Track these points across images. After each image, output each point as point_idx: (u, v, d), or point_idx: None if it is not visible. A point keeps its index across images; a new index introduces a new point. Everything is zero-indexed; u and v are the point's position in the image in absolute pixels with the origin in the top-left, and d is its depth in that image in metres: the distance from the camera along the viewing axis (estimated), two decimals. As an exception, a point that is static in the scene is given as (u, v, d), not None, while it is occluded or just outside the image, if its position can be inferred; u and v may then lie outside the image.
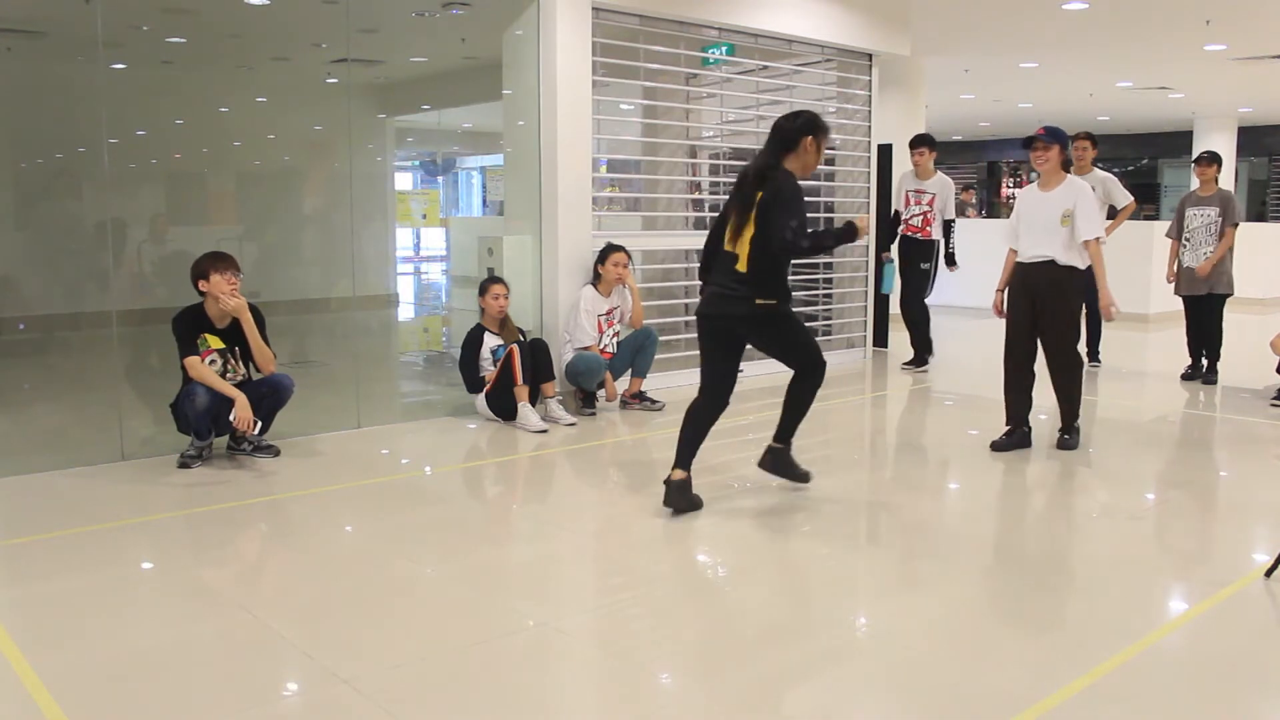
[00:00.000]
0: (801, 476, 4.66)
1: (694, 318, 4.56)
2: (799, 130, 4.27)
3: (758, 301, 4.20)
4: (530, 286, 6.69)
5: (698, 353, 4.42)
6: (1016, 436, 5.50)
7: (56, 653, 2.96)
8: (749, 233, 4.19)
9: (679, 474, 4.34)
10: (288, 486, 4.76)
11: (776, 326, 4.34)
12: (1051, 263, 5.29)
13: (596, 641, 3.16)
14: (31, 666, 2.84)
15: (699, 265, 4.61)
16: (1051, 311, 5.33)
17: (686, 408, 4.46)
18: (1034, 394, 5.52)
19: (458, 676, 2.84)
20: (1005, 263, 5.56)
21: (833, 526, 4.28)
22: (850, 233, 4.32)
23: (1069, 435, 5.48)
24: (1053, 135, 5.34)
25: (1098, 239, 5.27)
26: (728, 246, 4.30)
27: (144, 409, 5.78)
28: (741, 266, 4.22)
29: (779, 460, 4.63)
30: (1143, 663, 2.95)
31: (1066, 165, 5.50)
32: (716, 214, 4.58)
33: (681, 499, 4.32)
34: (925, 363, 8.17)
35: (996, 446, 5.48)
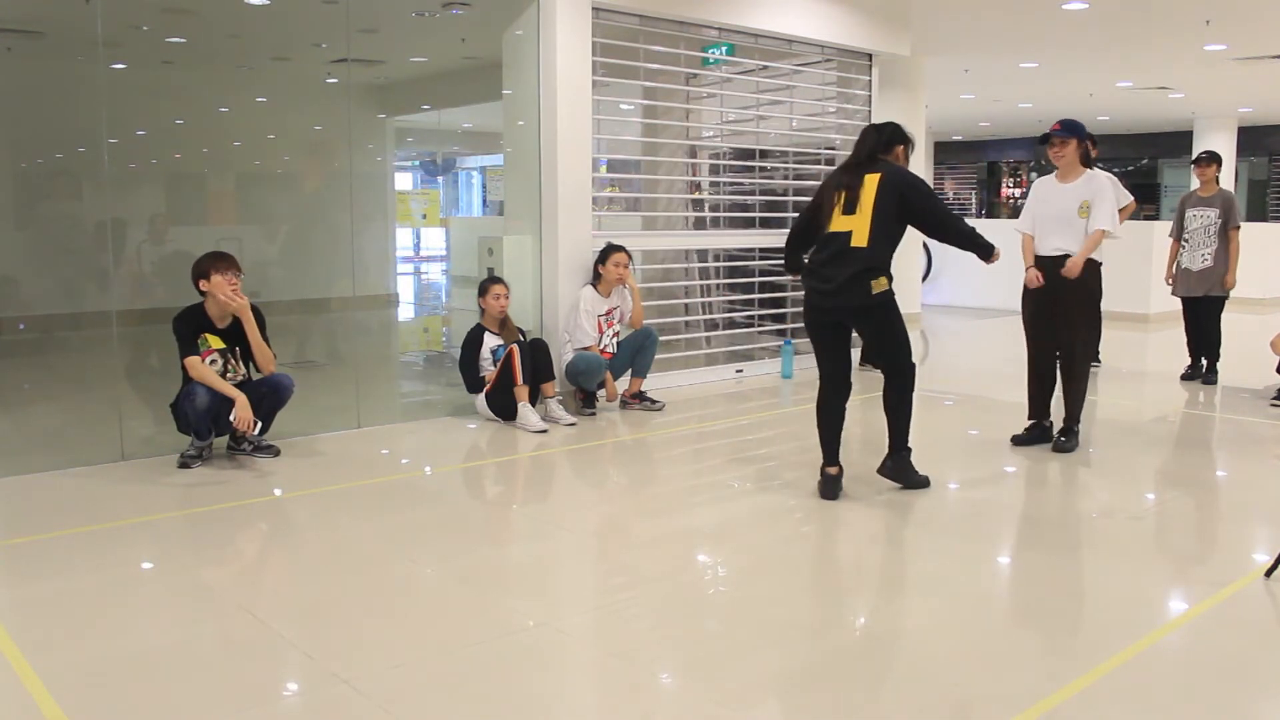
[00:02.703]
0: (920, 483, 4.68)
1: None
2: (890, 139, 4.54)
3: (873, 285, 4.30)
4: (530, 286, 6.69)
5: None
6: (1037, 431, 5.55)
7: (56, 653, 2.97)
8: (868, 211, 4.30)
9: (832, 469, 4.56)
10: (288, 486, 4.76)
11: (887, 313, 4.42)
12: (1069, 257, 5.25)
13: (596, 641, 3.16)
14: (31, 666, 2.84)
15: (785, 257, 4.77)
16: (1071, 308, 5.32)
17: (815, 404, 4.59)
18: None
19: (458, 676, 2.84)
20: (1024, 247, 5.49)
21: (832, 526, 4.28)
22: (986, 250, 4.57)
23: (1066, 438, 5.46)
24: (1069, 129, 5.30)
25: (1105, 231, 5.24)
26: (836, 227, 4.37)
27: (144, 409, 5.77)
28: (859, 242, 4.30)
29: (895, 467, 4.68)
30: (1143, 663, 2.95)
31: (1087, 159, 5.44)
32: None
33: (837, 490, 4.55)
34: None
35: (1017, 441, 5.54)
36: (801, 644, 3.10)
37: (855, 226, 4.31)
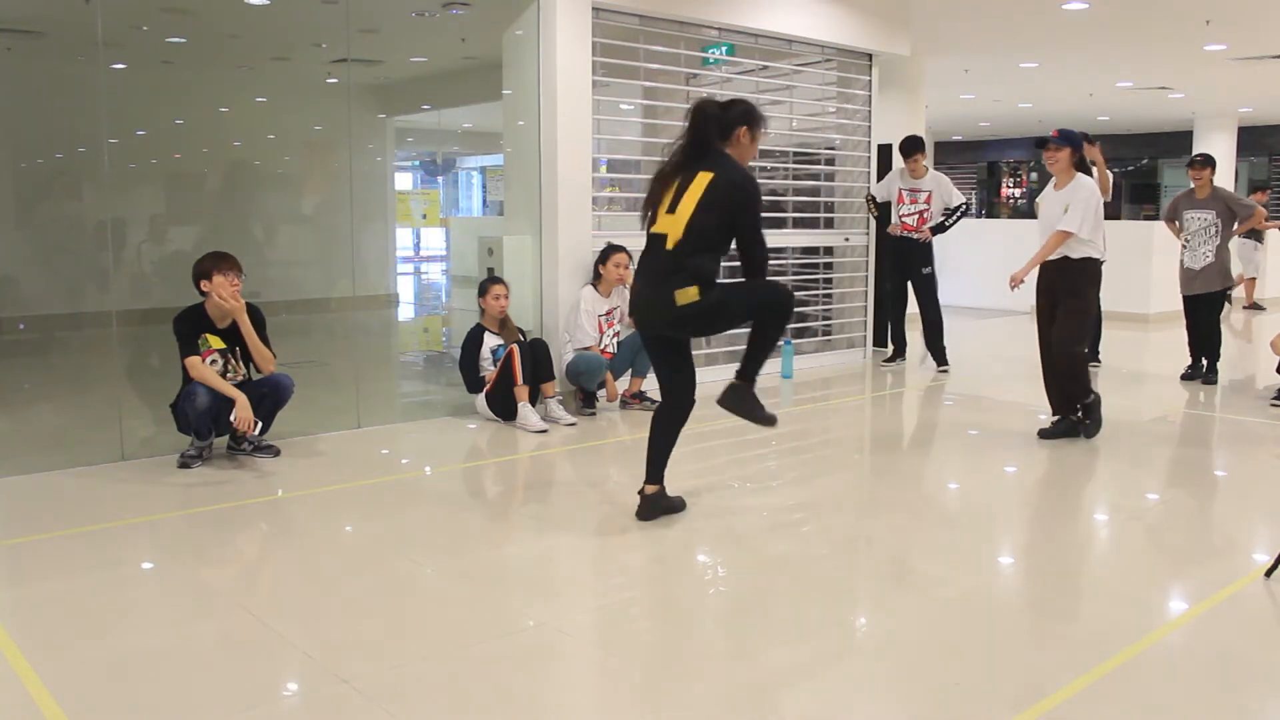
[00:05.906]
0: (764, 419, 4.14)
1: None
2: (734, 120, 3.95)
3: (677, 296, 3.82)
4: (530, 286, 6.69)
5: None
6: (1063, 425, 5.64)
7: (56, 653, 2.96)
8: (686, 213, 3.83)
9: (651, 488, 4.19)
10: (288, 486, 4.76)
11: (704, 317, 3.98)
12: (1065, 259, 5.44)
13: (596, 641, 3.16)
14: (31, 666, 2.84)
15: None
16: (1064, 304, 5.48)
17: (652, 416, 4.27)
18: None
19: (458, 676, 2.84)
20: (1037, 254, 5.59)
21: (832, 526, 4.28)
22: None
23: (1053, 427, 5.61)
24: (1064, 138, 5.49)
25: (1067, 233, 5.35)
26: (657, 228, 3.93)
27: (144, 409, 5.77)
28: (670, 245, 3.86)
29: (735, 397, 4.12)
30: (1143, 663, 2.95)
31: (1082, 166, 5.58)
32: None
33: (653, 511, 4.19)
34: (946, 364, 8.15)
35: (1044, 434, 5.64)
36: (801, 644, 3.10)
37: (670, 229, 3.86)
